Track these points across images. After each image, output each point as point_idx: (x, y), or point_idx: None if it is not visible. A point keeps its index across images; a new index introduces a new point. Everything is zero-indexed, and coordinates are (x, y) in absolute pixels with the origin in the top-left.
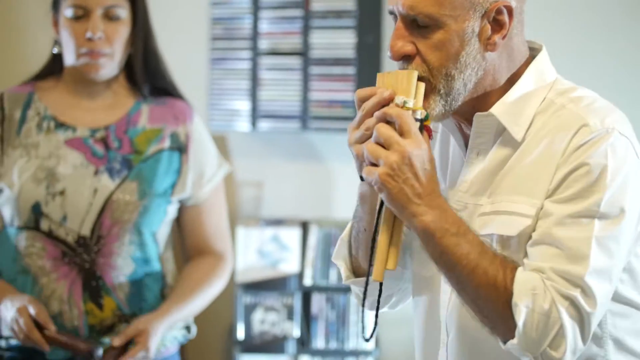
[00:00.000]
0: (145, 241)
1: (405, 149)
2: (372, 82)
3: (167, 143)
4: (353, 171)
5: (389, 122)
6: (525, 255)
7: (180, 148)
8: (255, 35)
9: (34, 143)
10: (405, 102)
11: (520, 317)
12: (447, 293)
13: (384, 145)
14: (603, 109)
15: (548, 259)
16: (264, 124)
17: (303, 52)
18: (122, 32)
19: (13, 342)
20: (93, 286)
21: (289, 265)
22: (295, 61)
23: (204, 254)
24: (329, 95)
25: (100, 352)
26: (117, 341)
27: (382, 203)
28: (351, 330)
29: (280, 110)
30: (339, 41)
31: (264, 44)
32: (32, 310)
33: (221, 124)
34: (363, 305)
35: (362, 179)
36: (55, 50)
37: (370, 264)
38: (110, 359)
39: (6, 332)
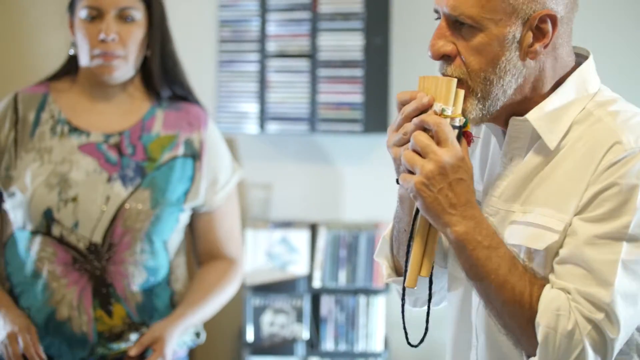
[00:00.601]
0: (157, 249)
1: (441, 159)
2: (380, 84)
3: (181, 150)
4: (361, 173)
5: (426, 130)
6: (551, 269)
7: (194, 155)
8: (263, 38)
9: (47, 147)
10: (443, 110)
11: (542, 337)
12: (476, 300)
13: (420, 153)
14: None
15: (574, 279)
16: (272, 126)
17: (311, 55)
18: (137, 34)
19: None
20: (103, 293)
21: (298, 267)
22: (303, 63)
23: (216, 259)
24: (337, 97)
25: None
26: (133, 350)
27: (417, 210)
28: (360, 332)
29: (288, 113)
30: (346, 43)
31: (272, 47)
32: (20, 343)
33: (229, 126)
34: (403, 309)
35: (398, 182)
36: (72, 52)
37: (406, 270)
38: None
39: None
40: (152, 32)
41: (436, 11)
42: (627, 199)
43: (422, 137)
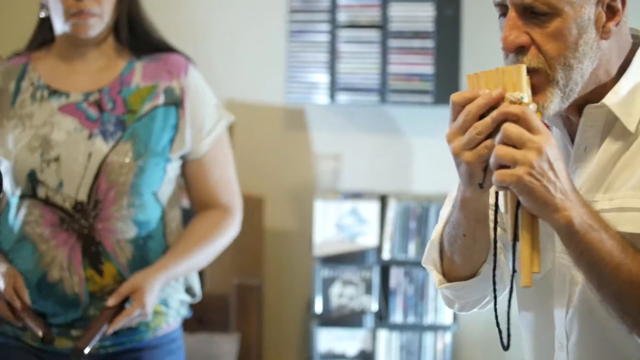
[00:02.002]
0: (146, 202)
1: (542, 146)
2: (450, 55)
3: (161, 99)
4: (431, 145)
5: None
6: None
7: (176, 103)
8: (334, 8)
9: (28, 113)
10: (522, 98)
11: None
12: (564, 295)
13: (514, 144)
14: None
15: None
16: (342, 97)
17: (382, 25)
18: None
19: None
20: (93, 252)
21: (367, 238)
22: (374, 34)
23: (208, 208)
24: (408, 68)
25: (53, 340)
26: (111, 301)
27: (517, 207)
28: (429, 305)
29: (358, 83)
30: (418, 14)
31: (342, 17)
32: (1, 286)
33: (299, 96)
34: (509, 313)
35: (481, 186)
36: (43, 14)
37: (514, 270)
38: (105, 319)
39: None
40: None
41: (499, 5)
42: None
43: (514, 128)
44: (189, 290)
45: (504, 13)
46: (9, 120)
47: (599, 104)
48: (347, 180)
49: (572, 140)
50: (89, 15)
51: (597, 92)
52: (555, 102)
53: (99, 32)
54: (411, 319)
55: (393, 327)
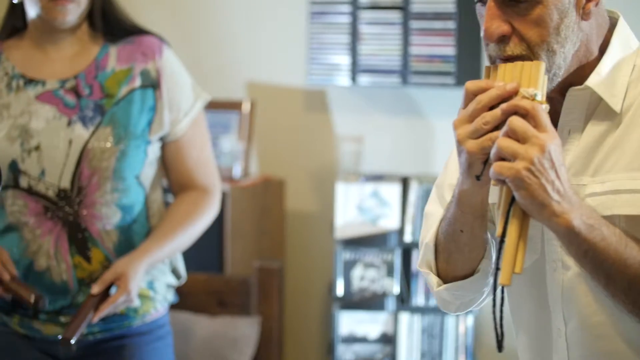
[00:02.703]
0: (129, 186)
1: (545, 143)
2: (472, 37)
3: (138, 82)
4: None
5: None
6: None
7: (153, 84)
8: None
9: (5, 104)
10: (535, 95)
11: None
12: (559, 284)
13: (519, 139)
14: None
15: None
16: (363, 79)
17: (403, 6)
18: None
19: None
20: (79, 238)
21: (389, 221)
22: (396, 15)
23: (187, 189)
24: (430, 50)
25: (46, 304)
26: (95, 288)
27: (511, 201)
28: None
29: (380, 65)
30: None
31: None
32: None
33: (321, 78)
34: (501, 311)
35: (478, 178)
36: (15, 0)
37: (498, 268)
38: (91, 307)
39: None
40: None
41: None
42: None
43: (520, 122)
44: (174, 271)
45: (481, 0)
46: None
47: (582, 86)
48: (368, 162)
49: (555, 124)
50: (67, 1)
51: (580, 73)
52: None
53: (76, 17)
54: (433, 302)
55: (415, 310)
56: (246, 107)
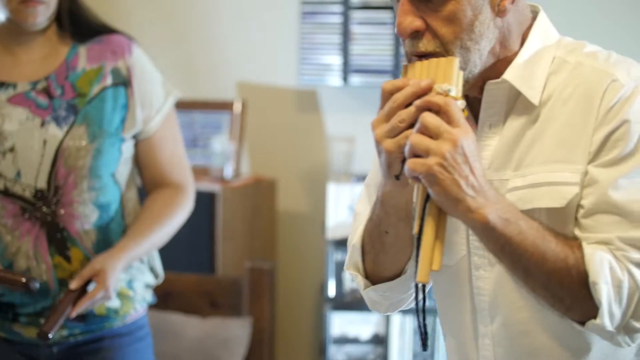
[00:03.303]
0: (105, 184)
1: (457, 138)
2: None
3: (109, 80)
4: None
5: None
6: (576, 225)
7: (124, 82)
8: None
9: None
10: (449, 90)
11: (603, 295)
12: (484, 281)
13: (431, 135)
14: (622, 61)
15: (611, 228)
16: (355, 79)
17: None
18: None
19: None
20: (58, 238)
21: None
22: (387, 15)
23: (161, 186)
24: None
25: (36, 285)
26: (74, 284)
27: (426, 199)
28: None
29: (372, 65)
30: None
31: None
32: None
33: (312, 78)
34: (424, 309)
35: (397, 178)
36: None
37: (417, 263)
38: (69, 303)
39: None
40: None
41: None
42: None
43: (432, 118)
44: (152, 270)
45: None
46: None
47: (499, 79)
48: (360, 162)
49: (477, 120)
50: (37, 3)
51: (499, 68)
52: None
53: (45, 19)
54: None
55: (406, 311)
56: (237, 107)
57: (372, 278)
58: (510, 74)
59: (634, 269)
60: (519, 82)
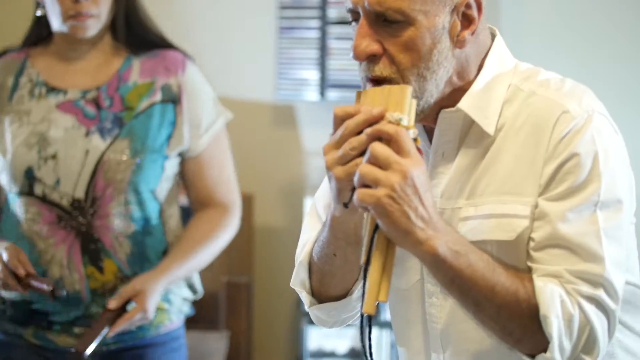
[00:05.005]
0: (144, 199)
1: (407, 169)
2: None
3: (158, 96)
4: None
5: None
6: (527, 258)
7: (174, 100)
8: (324, 4)
9: (26, 110)
10: (400, 120)
11: (553, 329)
12: (437, 309)
13: (380, 165)
14: (575, 89)
15: (561, 261)
16: (332, 94)
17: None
18: None
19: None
20: (92, 249)
21: None
22: None
23: (207, 206)
24: None
25: (63, 293)
26: (113, 303)
27: (375, 229)
28: None
29: (349, 80)
30: None
31: (332, 13)
32: (4, 257)
33: (289, 93)
34: (369, 338)
35: (346, 205)
36: (39, 13)
37: (364, 293)
38: (106, 322)
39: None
40: None
41: (352, 11)
42: (591, 167)
43: (381, 148)
44: (190, 287)
45: (356, 19)
46: (5, 116)
47: (454, 108)
48: None
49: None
50: (87, 17)
51: (455, 97)
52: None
53: (97, 31)
54: None
55: (383, 324)
56: None
57: (319, 296)
58: (465, 103)
59: (585, 303)
60: (473, 112)
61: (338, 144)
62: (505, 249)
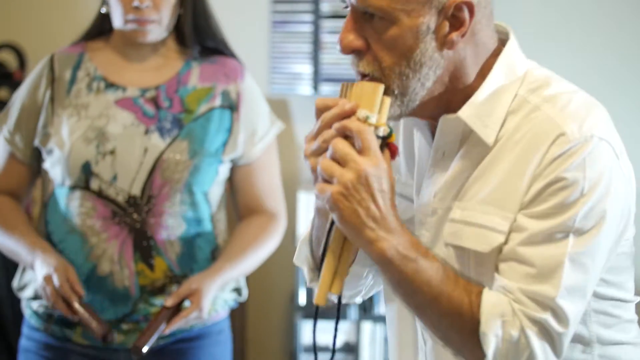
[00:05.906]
0: (197, 201)
1: (362, 168)
2: None
3: (218, 101)
4: None
5: (347, 137)
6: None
7: (232, 106)
8: None
9: (84, 103)
10: (367, 117)
11: (490, 347)
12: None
13: (339, 161)
14: (581, 109)
15: (518, 277)
16: (325, 88)
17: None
18: None
19: None
20: (144, 246)
21: None
22: None
23: (255, 213)
24: None
25: (114, 337)
26: (169, 301)
27: (332, 222)
28: None
29: (342, 74)
30: None
31: (325, 7)
32: (56, 282)
33: (282, 87)
34: (315, 328)
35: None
36: (104, 10)
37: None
38: (163, 319)
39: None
40: None
41: (343, 1)
42: (573, 193)
43: (341, 145)
44: (237, 291)
45: (348, 7)
46: (64, 109)
47: (454, 116)
48: None
49: None
50: (148, 22)
51: (454, 99)
52: (393, 110)
53: (157, 36)
54: None
55: (377, 319)
56: None
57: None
58: (466, 112)
59: (528, 326)
60: (473, 121)
61: (316, 135)
62: (481, 259)
